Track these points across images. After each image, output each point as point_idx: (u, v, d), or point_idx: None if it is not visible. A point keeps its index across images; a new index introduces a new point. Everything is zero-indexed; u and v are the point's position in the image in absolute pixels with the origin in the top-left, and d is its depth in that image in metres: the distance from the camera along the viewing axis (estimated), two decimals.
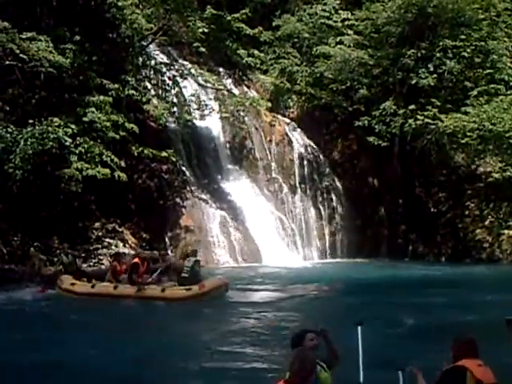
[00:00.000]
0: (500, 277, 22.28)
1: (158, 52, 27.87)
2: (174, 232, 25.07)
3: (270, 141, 29.72)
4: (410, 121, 27.71)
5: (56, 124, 19.94)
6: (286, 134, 30.10)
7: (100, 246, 22.24)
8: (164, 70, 26.94)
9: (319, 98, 30.11)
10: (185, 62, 28.58)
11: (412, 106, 27.96)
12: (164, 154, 24.40)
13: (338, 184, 30.11)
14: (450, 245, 28.29)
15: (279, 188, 28.99)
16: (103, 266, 20.73)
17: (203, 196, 26.51)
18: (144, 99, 24.75)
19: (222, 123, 28.87)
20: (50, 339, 11.69)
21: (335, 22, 30.99)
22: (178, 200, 25.85)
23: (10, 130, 19.34)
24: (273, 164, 29.40)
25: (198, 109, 27.21)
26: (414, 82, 28.50)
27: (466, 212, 28.18)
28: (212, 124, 28.52)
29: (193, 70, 27.68)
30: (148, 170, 25.37)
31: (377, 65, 29.37)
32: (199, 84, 28.24)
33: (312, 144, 30.31)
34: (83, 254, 21.44)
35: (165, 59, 27.95)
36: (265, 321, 14.30)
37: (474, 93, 28.17)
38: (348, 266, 26.54)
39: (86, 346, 11.19)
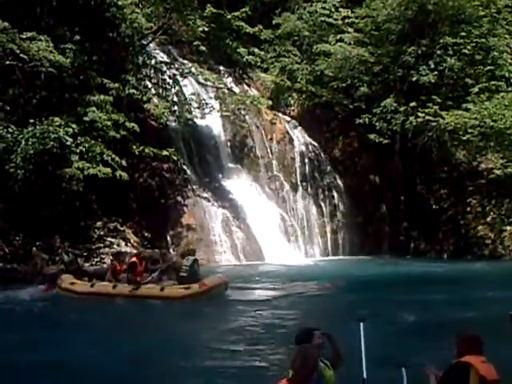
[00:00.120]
0: (502, 273, 22.23)
1: (158, 51, 27.89)
2: (175, 230, 25.05)
3: (271, 139, 29.71)
4: (411, 118, 27.69)
5: (57, 124, 19.95)
6: (287, 132, 30.10)
7: (102, 245, 22.23)
8: (164, 68, 26.94)
9: (320, 96, 30.08)
10: (185, 61, 28.56)
11: (413, 104, 27.93)
12: (165, 152, 24.40)
13: (340, 182, 30.10)
14: (452, 242, 28.29)
15: (280, 186, 28.97)
16: (105, 265, 20.64)
17: (204, 194, 26.50)
18: (144, 98, 24.72)
19: (222, 122, 28.86)
20: (48, 339, 11.66)
21: (335, 19, 30.97)
22: (179, 199, 25.83)
23: (10, 129, 19.38)
24: (274, 162, 29.38)
25: (198, 107, 27.18)
26: (414, 79, 28.48)
27: (468, 209, 28.19)
28: (213, 122, 28.49)
29: (193, 69, 27.65)
30: (149, 168, 25.35)
31: (377, 62, 29.34)
32: (199, 83, 28.25)
33: (313, 142, 30.31)
34: (85, 253, 21.44)
35: (165, 58, 27.96)
36: (265, 319, 14.23)
37: (475, 90, 28.16)
38: (350, 263, 26.52)
39: (84, 345, 11.15)
